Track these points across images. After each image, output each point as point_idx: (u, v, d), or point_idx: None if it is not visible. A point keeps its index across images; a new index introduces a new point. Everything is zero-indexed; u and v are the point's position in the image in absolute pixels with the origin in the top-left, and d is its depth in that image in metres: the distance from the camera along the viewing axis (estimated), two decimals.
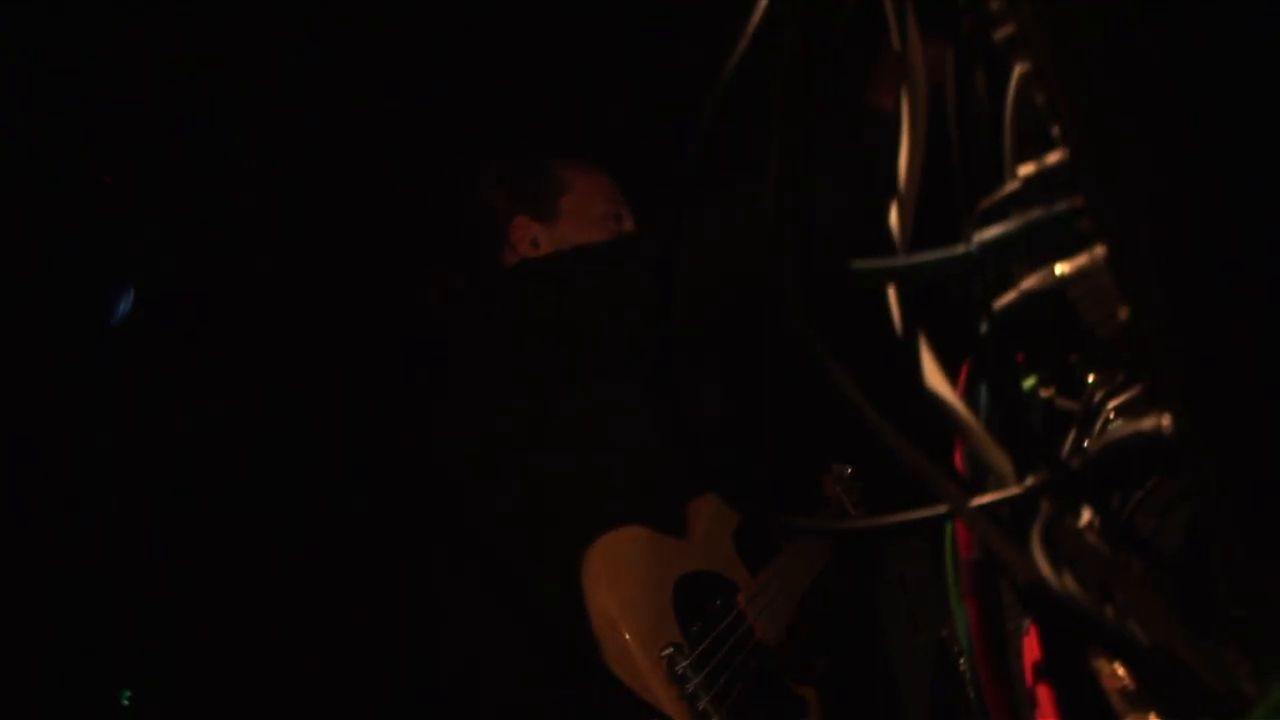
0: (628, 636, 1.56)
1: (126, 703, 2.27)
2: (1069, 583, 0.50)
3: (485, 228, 2.11)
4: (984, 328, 0.56)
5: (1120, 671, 0.56)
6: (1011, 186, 0.54)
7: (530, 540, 1.72)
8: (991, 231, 0.52)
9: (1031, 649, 0.59)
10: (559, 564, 1.64)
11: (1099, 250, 0.50)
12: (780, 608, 1.88)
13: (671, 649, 1.58)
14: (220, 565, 2.40)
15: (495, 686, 1.71)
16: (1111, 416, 0.59)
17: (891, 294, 0.56)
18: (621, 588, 1.61)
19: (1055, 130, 0.51)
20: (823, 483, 2.36)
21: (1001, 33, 0.51)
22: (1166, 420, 0.49)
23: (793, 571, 1.99)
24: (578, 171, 2.15)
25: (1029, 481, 0.53)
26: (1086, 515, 0.57)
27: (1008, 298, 0.56)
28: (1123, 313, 0.49)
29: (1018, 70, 0.55)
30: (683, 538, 1.80)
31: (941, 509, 0.55)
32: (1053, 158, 0.52)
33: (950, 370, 0.56)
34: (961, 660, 1.53)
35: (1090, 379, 0.61)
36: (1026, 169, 0.53)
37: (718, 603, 1.76)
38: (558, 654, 1.64)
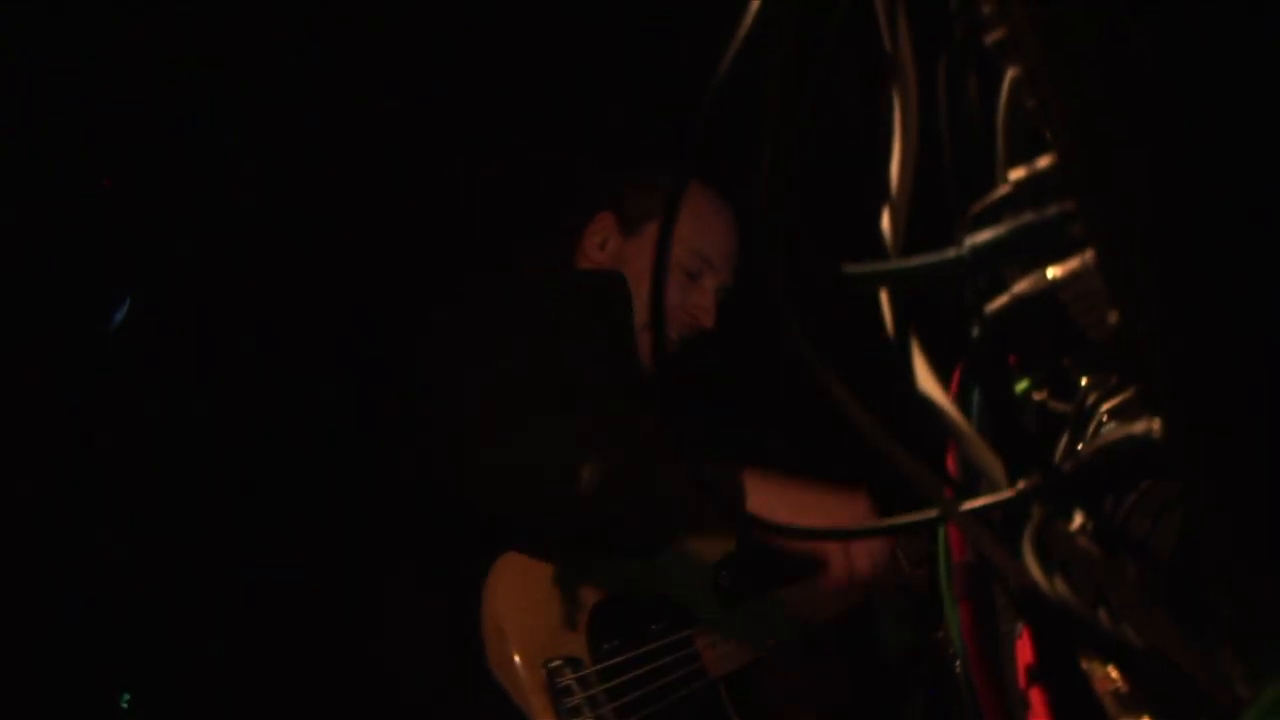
0: (510, 642, 1.56)
1: (125, 705, 2.27)
2: (1060, 586, 0.50)
3: (579, 202, 2.05)
4: (976, 331, 0.56)
5: (1113, 674, 0.56)
6: (1003, 190, 0.54)
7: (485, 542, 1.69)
8: (983, 235, 0.52)
9: (1024, 652, 0.59)
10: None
11: (1090, 254, 0.50)
12: (744, 647, 1.82)
13: (560, 662, 1.57)
14: (219, 568, 2.40)
15: (417, 687, 1.69)
16: (1105, 419, 0.59)
17: (884, 297, 0.56)
18: (519, 595, 1.60)
19: (1046, 134, 0.51)
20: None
21: (993, 37, 0.51)
22: (1157, 424, 0.49)
23: (776, 615, 1.91)
24: (697, 208, 2.01)
25: (1021, 485, 0.54)
26: (1079, 518, 0.57)
27: (1000, 301, 0.56)
28: (1113, 316, 0.49)
29: (1009, 74, 0.55)
30: (647, 559, 1.76)
31: (933, 513, 0.55)
32: (1044, 161, 0.52)
33: (943, 374, 0.56)
34: (956, 662, 1.53)
35: (1083, 382, 0.61)
36: (1018, 173, 0.53)
37: (654, 627, 1.73)
38: (475, 657, 1.61)
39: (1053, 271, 0.52)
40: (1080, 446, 0.59)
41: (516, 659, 1.56)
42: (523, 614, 1.59)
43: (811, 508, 1.69)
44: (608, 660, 1.63)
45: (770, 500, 1.66)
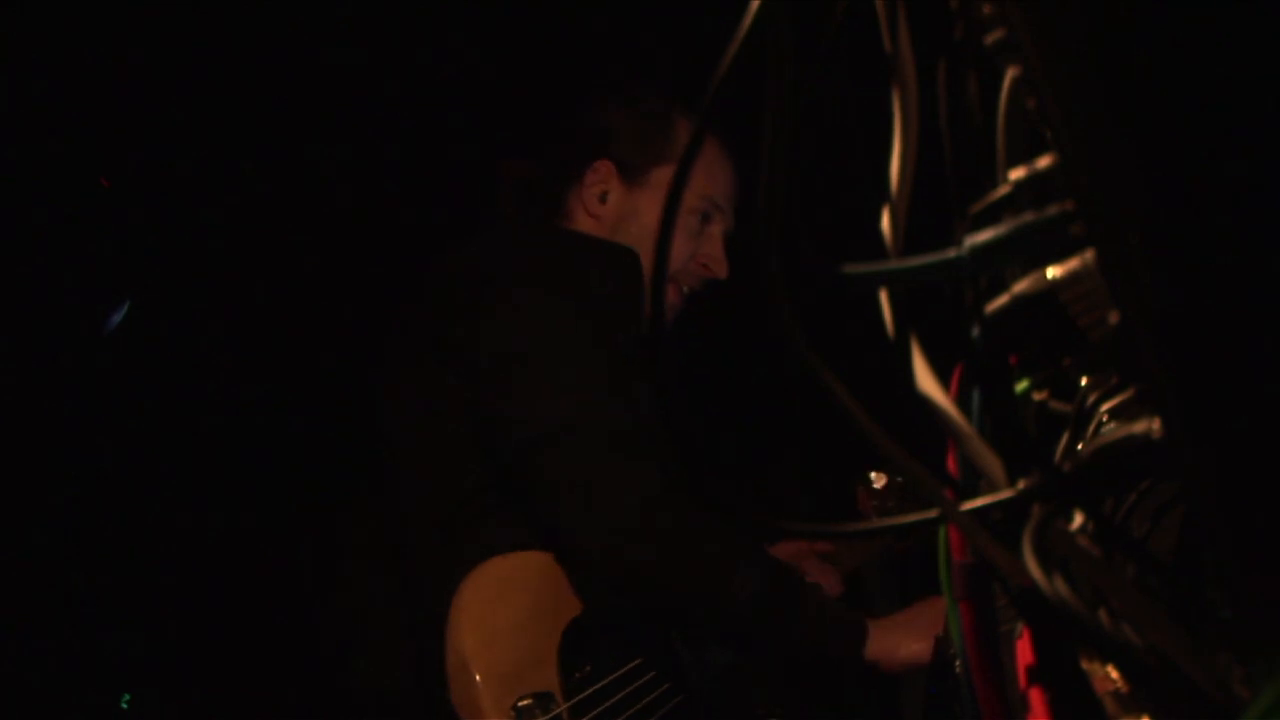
0: (478, 680, 1.44)
1: (125, 706, 2.27)
2: (1060, 586, 0.50)
3: (577, 143, 1.91)
4: (976, 331, 0.56)
5: (1113, 674, 0.56)
6: (1003, 190, 0.54)
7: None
8: (983, 235, 0.52)
9: (1024, 652, 0.59)
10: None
11: (1090, 254, 0.50)
12: (730, 659, 1.72)
13: (530, 700, 1.45)
14: (220, 568, 2.40)
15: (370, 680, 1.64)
16: (1105, 419, 0.59)
17: (884, 298, 0.56)
18: (489, 623, 1.49)
19: (1046, 134, 0.51)
20: (857, 496, 2.15)
21: (993, 37, 0.51)
22: (1157, 424, 0.49)
23: None
24: (703, 153, 1.84)
25: (1021, 485, 0.53)
26: (1079, 518, 0.57)
27: (1000, 301, 0.56)
28: (1113, 316, 0.49)
29: (1009, 74, 0.55)
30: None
31: (933, 513, 0.55)
32: (1044, 161, 0.52)
33: (943, 374, 0.56)
34: (956, 662, 1.52)
35: (1083, 382, 0.61)
36: (1018, 173, 0.53)
37: (633, 639, 1.62)
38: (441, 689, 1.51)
39: (1053, 271, 0.52)
40: (1080, 446, 0.59)
41: (483, 703, 1.44)
42: (490, 647, 1.48)
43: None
44: (580, 693, 1.51)
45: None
